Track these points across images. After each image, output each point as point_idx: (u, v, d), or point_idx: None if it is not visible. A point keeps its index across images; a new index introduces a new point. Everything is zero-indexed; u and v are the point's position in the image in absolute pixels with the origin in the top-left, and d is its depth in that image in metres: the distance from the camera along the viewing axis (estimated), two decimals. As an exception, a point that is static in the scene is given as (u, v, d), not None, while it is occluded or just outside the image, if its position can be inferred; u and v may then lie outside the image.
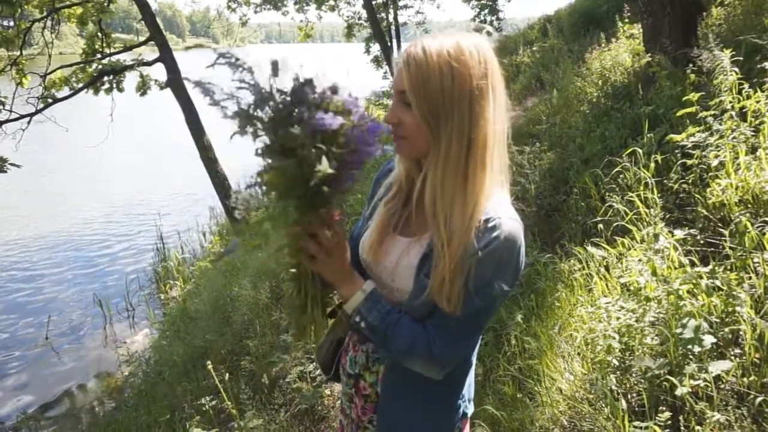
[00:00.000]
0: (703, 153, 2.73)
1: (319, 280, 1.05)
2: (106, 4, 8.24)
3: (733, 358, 1.82)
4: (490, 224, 0.94)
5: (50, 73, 8.07)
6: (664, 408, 1.75)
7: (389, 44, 12.44)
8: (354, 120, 0.90)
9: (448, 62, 0.91)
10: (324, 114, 0.85)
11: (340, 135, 0.88)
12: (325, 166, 0.83)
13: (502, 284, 0.95)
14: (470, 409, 1.18)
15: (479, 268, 0.93)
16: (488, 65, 0.94)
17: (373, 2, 12.20)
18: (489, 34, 0.99)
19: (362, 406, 1.17)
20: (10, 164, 5.96)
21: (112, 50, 8.53)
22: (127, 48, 8.80)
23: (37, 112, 7.68)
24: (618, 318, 2.11)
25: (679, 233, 2.36)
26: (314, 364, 2.86)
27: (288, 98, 0.88)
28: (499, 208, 0.96)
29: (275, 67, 0.89)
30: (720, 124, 2.75)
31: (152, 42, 8.14)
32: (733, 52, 2.98)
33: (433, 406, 1.11)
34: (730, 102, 2.78)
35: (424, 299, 0.98)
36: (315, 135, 0.86)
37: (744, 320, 1.82)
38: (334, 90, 0.90)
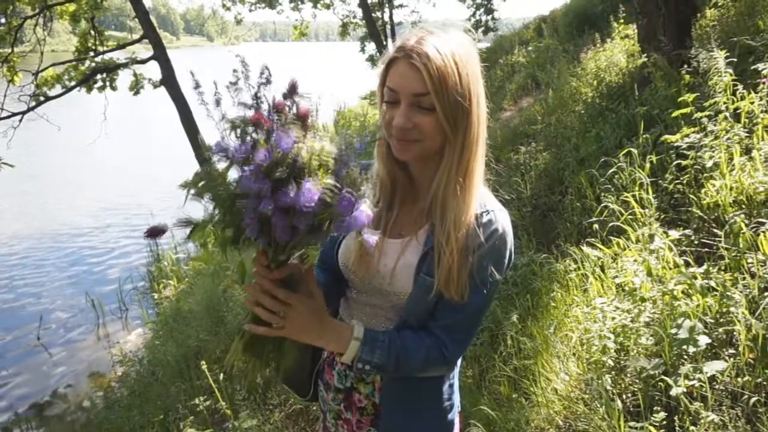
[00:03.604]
0: (698, 154, 2.74)
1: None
2: (99, 0, 8.17)
3: (727, 358, 1.82)
4: (487, 218, 0.97)
5: (42, 70, 8.01)
6: (659, 408, 1.75)
7: (385, 43, 12.42)
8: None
9: (460, 60, 0.93)
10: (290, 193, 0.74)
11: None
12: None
13: (502, 271, 1.00)
14: (459, 401, 1.19)
15: (483, 260, 0.96)
16: (477, 59, 0.97)
17: (369, 1, 12.18)
18: (467, 30, 1.00)
19: (357, 420, 1.12)
20: (3, 163, 5.92)
21: (105, 48, 8.48)
22: (121, 46, 8.75)
23: (29, 110, 7.63)
24: (613, 318, 2.11)
25: (674, 234, 2.37)
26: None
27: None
28: (488, 200, 1.01)
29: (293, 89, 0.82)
30: (714, 125, 2.76)
31: (146, 40, 8.10)
32: (728, 54, 2.99)
33: (435, 404, 1.10)
34: (725, 103, 2.79)
35: (430, 298, 0.98)
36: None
37: (738, 321, 1.83)
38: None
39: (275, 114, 0.82)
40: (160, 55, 7.78)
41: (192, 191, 0.82)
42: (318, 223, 0.78)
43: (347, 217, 0.78)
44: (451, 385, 1.12)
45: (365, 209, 0.79)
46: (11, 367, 5.40)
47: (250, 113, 0.82)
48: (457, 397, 1.15)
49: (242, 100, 0.82)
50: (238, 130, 0.81)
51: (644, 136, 3.28)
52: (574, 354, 2.25)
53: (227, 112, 0.83)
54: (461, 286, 0.95)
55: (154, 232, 0.83)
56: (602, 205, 2.98)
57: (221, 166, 0.81)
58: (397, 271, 1.01)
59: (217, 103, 0.82)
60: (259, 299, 0.88)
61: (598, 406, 1.90)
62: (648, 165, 2.98)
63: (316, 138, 0.80)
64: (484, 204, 0.99)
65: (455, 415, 1.15)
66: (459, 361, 1.13)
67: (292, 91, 0.84)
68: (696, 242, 2.45)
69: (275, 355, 0.95)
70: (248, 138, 0.80)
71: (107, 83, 8.31)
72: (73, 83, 8.12)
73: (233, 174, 0.81)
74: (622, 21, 6.22)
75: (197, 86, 0.84)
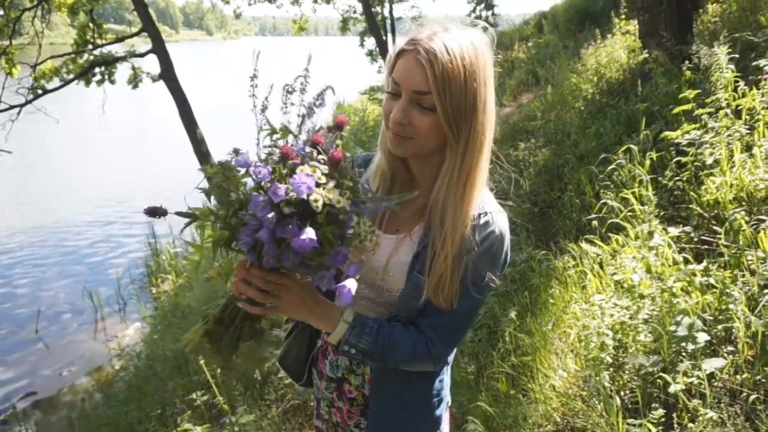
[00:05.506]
0: (698, 150, 2.73)
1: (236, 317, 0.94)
2: (97, -7, 8.12)
3: (726, 355, 1.82)
4: (484, 220, 0.96)
5: (40, 63, 7.96)
6: (657, 405, 1.75)
7: (384, 38, 12.38)
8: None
9: (470, 63, 0.89)
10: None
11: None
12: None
13: (496, 275, 0.98)
14: (449, 397, 1.19)
15: (477, 263, 0.94)
16: (490, 63, 0.94)
17: (369, -4, 12.11)
18: (485, 29, 0.96)
19: (348, 410, 1.13)
20: (0, 150, 5.90)
21: (104, 41, 8.42)
22: (119, 39, 8.69)
23: (27, 103, 7.58)
24: (612, 315, 2.10)
25: (674, 231, 2.36)
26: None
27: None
28: (487, 201, 0.99)
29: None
30: (715, 122, 2.75)
31: (145, 33, 8.04)
32: (729, 50, 2.97)
33: (423, 398, 1.11)
34: (726, 100, 2.78)
35: (421, 302, 0.96)
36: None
37: (738, 318, 1.83)
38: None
39: (309, 147, 0.83)
40: (159, 48, 7.72)
41: (206, 182, 0.84)
42: (306, 262, 0.81)
43: (333, 271, 0.82)
44: (441, 381, 1.12)
45: (352, 282, 0.83)
46: (9, 360, 5.40)
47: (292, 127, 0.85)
48: (447, 393, 1.15)
49: (289, 113, 0.85)
50: (267, 150, 0.84)
51: (644, 132, 3.26)
52: (572, 351, 2.25)
53: (269, 118, 0.86)
54: (451, 294, 0.94)
55: (153, 212, 0.86)
56: (601, 201, 2.97)
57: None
58: (390, 267, 1.01)
59: (263, 109, 0.84)
60: (252, 282, 0.88)
61: (596, 402, 1.90)
62: (648, 162, 2.97)
63: (339, 186, 0.80)
64: (483, 206, 0.97)
65: (443, 411, 1.15)
66: (451, 358, 1.13)
67: (337, 128, 0.85)
68: (695, 239, 2.45)
69: (229, 350, 0.97)
70: (271, 163, 0.81)
71: (106, 76, 8.26)
72: (71, 76, 8.07)
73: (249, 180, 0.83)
74: (623, 17, 6.19)
75: (254, 77, 0.86)
